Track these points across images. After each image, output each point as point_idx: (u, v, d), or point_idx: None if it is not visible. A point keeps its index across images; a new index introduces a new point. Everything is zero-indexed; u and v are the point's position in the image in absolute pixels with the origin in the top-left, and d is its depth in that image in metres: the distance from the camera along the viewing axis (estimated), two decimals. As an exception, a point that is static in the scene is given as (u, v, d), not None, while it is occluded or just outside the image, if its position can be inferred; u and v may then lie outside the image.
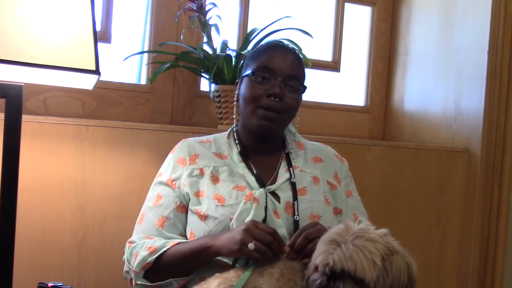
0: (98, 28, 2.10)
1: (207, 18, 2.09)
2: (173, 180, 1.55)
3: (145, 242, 1.49)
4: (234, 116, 1.65)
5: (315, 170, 1.60)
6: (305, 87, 1.57)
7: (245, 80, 1.56)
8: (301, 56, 1.63)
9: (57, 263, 1.80)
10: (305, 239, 1.37)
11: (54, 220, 1.79)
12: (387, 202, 2.32)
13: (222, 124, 2.07)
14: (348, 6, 2.68)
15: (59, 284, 1.50)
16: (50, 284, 1.49)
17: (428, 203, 2.41)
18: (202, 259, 1.43)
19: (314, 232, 1.37)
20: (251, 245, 1.32)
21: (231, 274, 1.35)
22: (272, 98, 1.50)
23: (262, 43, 1.70)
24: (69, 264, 1.81)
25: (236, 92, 1.62)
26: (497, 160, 2.39)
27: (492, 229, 2.40)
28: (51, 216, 1.78)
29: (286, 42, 1.87)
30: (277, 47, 1.60)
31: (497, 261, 2.40)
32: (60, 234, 1.80)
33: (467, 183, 2.44)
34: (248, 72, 1.54)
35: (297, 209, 1.49)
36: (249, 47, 2.12)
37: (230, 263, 1.43)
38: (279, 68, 1.52)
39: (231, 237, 1.37)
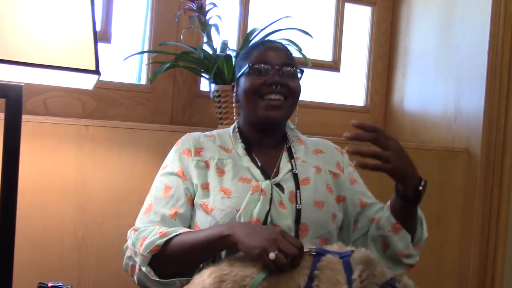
0: (98, 28, 2.10)
1: (207, 18, 2.09)
2: (184, 172, 1.54)
3: (154, 228, 1.46)
4: (234, 117, 1.66)
5: (316, 161, 1.63)
6: (302, 70, 1.60)
7: (242, 78, 1.59)
8: (294, 51, 1.68)
9: (57, 263, 1.80)
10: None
11: (54, 220, 1.79)
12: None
13: (222, 124, 2.07)
14: (348, 6, 2.68)
15: (59, 284, 1.50)
16: (50, 284, 1.49)
17: (428, 203, 2.40)
18: (214, 248, 1.40)
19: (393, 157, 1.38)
20: (272, 255, 1.28)
21: (222, 263, 1.34)
22: (274, 87, 1.53)
23: (251, 44, 1.73)
24: (69, 264, 1.81)
25: (234, 94, 1.64)
26: (497, 160, 2.39)
27: (492, 229, 2.40)
28: (51, 216, 1.78)
29: (285, 41, 1.89)
30: (266, 42, 1.65)
31: (497, 261, 2.40)
32: (60, 234, 1.80)
33: (467, 183, 2.44)
34: (244, 69, 1.57)
35: (300, 198, 1.51)
36: (249, 47, 2.13)
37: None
38: (272, 58, 1.56)
39: (252, 237, 1.33)
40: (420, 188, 1.45)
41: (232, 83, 1.66)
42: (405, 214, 1.50)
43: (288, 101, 1.56)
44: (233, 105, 1.66)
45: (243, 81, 1.58)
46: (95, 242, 1.84)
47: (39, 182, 1.77)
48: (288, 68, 1.56)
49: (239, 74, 1.60)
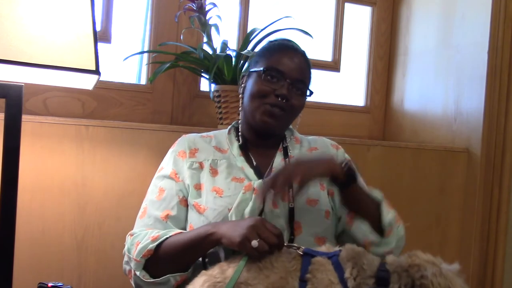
0: (98, 28, 2.10)
1: (207, 18, 2.09)
2: (177, 173, 1.56)
3: (147, 232, 1.49)
4: (240, 109, 1.65)
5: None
6: (311, 92, 1.60)
7: (253, 75, 1.58)
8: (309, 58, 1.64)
9: (57, 263, 1.80)
10: (283, 177, 1.35)
11: (54, 220, 1.79)
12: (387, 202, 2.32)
13: (222, 124, 2.07)
14: (348, 6, 2.68)
15: (59, 284, 1.50)
16: (50, 284, 1.49)
17: (428, 203, 2.41)
18: (202, 247, 1.42)
19: (296, 171, 1.36)
20: (254, 242, 1.30)
21: (215, 271, 1.34)
22: (280, 99, 1.52)
23: (273, 40, 1.68)
24: (69, 264, 1.81)
25: (242, 85, 1.63)
26: (497, 160, 2.39)
27: (492, 229, 2.40)
28: (51, 216, 1.78)
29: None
30: (288, 48, 1.61)
31: (497, 261, 2.40)
32: (60, 234, 1.80)
33: (467, 183, 2.44)
34: (258, 69, 1.56)
35: (292, 197, 1.51)
36: (249, 47, 2.12)
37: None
38: (288, 70, 1.54)
39: (234, 229, 1.35)
40: (345, 167, 1.43)
41: (243, 73, 1.65)
42: (352, 200, 1.48)
43: (287, 115, 1.56)
44: (240, 95, 1.63)
45: (252, 81, 1.57)
46: (95, 242, 1.84)
47: (39, 182, 1.77)
48: (299, 85, 1.56)
49: (252, 69, 1.59)
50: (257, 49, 1.88)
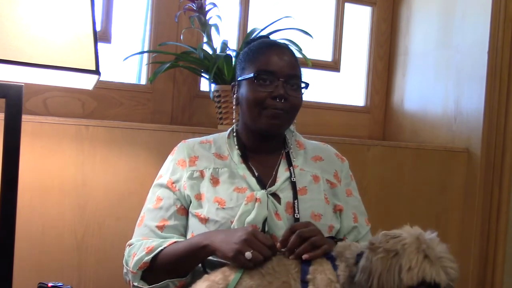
0: (98, 28, 2.10)
1: (207, 18, 2.09)
2: (173, 183, 1.55)
3: (143, 242, 1.49)
4: (233, 120, 1.64)
5: (315, 169, 1.60)
6: (307, 84, 1.57)
7: (244, 83, 1.55)
8: (294, 52, 1.62)
9: (57, 263, 1.80)
10: (299, 238, 1.35)
11: (54, 220, 1.79)
12: (387, 202, 2.32)
13: (222, 124, 2.07)
14: (348, 6, 2.68)
15: (59, 284, 1.50)
16: (50, 284, 1.49)
17: (428, 203, 2.41)
18: (196, 258, 1.43)
19: (307, 232, 1.36)
20: (248, 254, 1.31)
21: (218, 277, 1.34)
22: (278, 100, 1.50)
23: (252, 43, 1.65)
24: (69, 264, 1.81)
25: (234, 95, 1.60)
26: (497, 160, 2.39)
27: (492, 229, 2.40)
28: (51, 216, 1.78)
29: (285, 41, 1.87)
30: (272, 46, 1.59)
31: (497, 261, 2.40)
32: (60, 234, 1.80)
33: (467, 183, 2.44)
34: (249, 76, 1.53)
35: (298, 208, 1.49)
36: (249, 47, 2.12)
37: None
38: (279, 68, 1.52)
39: (227, 242, 1.35)
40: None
41: (233, 83, 1.63)
42: None
43: (289, 114, 1.54)
44: (233, 107, 1.62)
45: (246, 88, 1.54)
46: (95, 242, 1.84)
47: (39, 182, 1.77)
48: (294, 81, 1.53)
49: (242, 77, 1.56)
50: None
